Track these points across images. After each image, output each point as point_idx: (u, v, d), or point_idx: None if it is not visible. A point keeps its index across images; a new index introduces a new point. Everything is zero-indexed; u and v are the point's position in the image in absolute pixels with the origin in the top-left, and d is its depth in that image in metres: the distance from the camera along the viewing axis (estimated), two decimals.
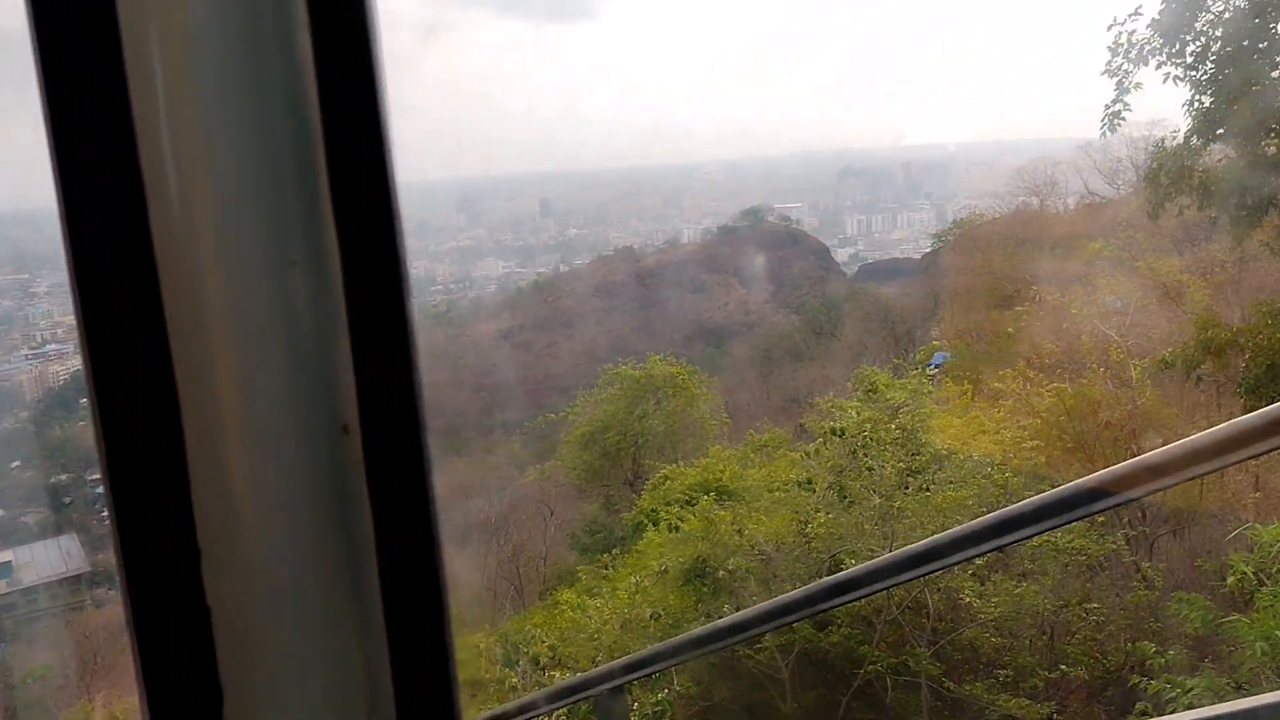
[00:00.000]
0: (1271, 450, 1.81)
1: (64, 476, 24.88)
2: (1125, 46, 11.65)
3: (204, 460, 0.49)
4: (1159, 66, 11.46)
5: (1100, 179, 23.15)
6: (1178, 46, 11.27)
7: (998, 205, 25.83)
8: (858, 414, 10.99)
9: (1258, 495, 10.40)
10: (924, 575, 6.07)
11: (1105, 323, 13.51)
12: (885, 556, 2.54)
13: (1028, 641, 9.27)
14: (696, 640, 2.92)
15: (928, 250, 34.96)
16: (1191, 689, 6.07)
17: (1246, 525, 7.05)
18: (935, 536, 2.30)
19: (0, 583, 18.98)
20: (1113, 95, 11.96)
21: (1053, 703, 8.79)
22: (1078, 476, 2.02)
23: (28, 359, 30.43)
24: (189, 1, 0.46)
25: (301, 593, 0.51)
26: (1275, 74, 10.99)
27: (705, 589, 10.06)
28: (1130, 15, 11.63)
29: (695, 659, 7.50)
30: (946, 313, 21.58)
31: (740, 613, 2.89)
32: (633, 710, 8.35)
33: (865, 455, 10.33)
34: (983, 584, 9.28)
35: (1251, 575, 6.54)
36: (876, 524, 9.75)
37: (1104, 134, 12.57)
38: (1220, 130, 11.51)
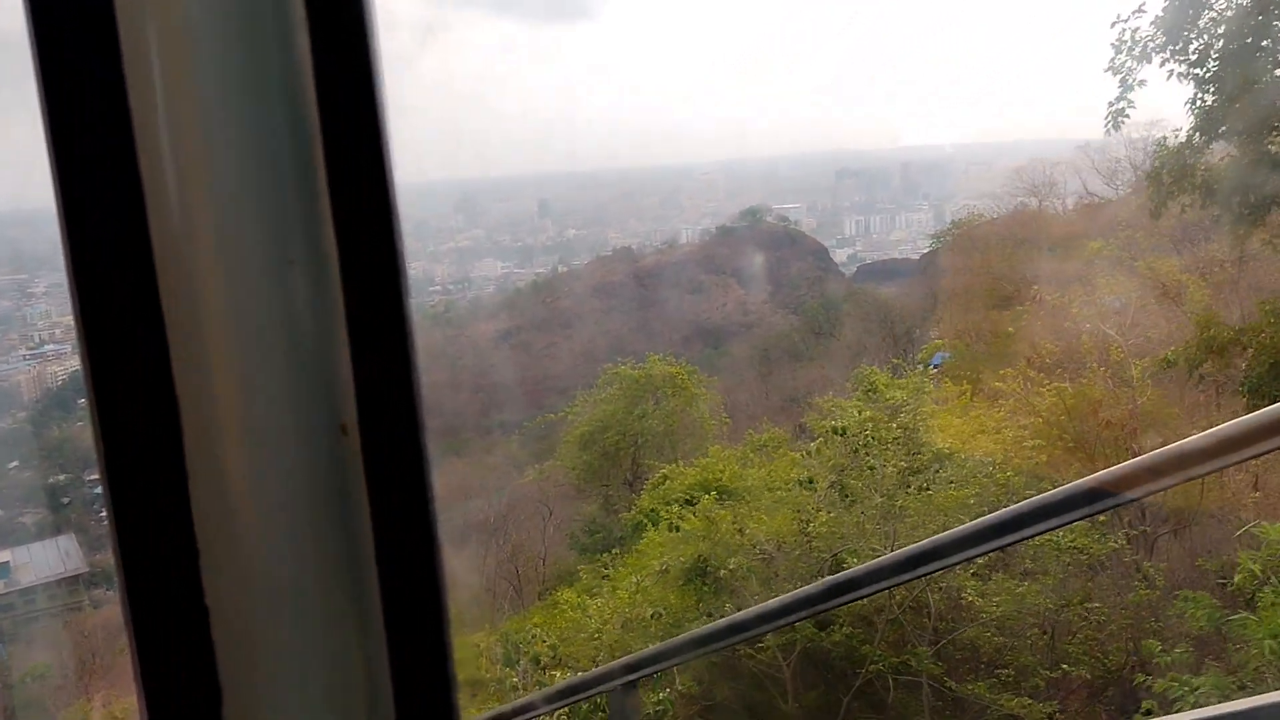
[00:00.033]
0: (1272, 450, 1.81)
1: (62, 477, 24.86)
2: (1129, 44, 11.63)
3: (203, 460, 0.49)
4: (1163, 64, 11.44)
5: (1099, 179, 23.17)
6: (1181, 44, 11.25)
7: (996, 206, 25.87)
8: (859, 413, 10.99)
9: (1257, 495, 10.41)
10: (925, 575, 6.08)
11: (1105, 322, 13.52)
12: (886, 556, 2.55)
13: (1029, 641, 9.27)
14: (711, 635, 2.93)
15: (926, 251, 34.99)
16: (1198, 687, 6.07)
17: (1254, 523, 7.05)
18: (936, 536, 2.30)
19: None
20: (1116, 93, 11.95)
21: (1055, 702, 8.78)
22: (1079, 476, 2.03)
23: (26, 359, 30.40)
24: (188, 1, 0.46)
25: (300, 593, 0.51)
26: (1278, 72, 10.96)
27: (706, 588, 10.06)
28: (1134, 12, 11.61)
29: (710, 653, 7.50)
30: (945, 313, 21.60)
31: (749, 610, 2.88)
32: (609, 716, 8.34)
33: (867, 454, 10.33)
34: (984, 583, 9.27)
35: (1259, 572, 6.54)
36: (878, 523, 9.75)
37: (1108, 131, 12.54)
38: (1223, 128, 11.48)
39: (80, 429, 25.08)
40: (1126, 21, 11.60)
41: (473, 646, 11.42)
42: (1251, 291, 13.52)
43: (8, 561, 19.50)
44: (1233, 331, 11.08)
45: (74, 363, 28.10)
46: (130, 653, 0.51)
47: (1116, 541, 9.72)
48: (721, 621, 3.06)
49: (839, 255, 48.11)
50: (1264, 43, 10.84)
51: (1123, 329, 13.39)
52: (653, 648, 3.18)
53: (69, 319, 0.49)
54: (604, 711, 8.51)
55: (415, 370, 0.52)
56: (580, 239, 51.20)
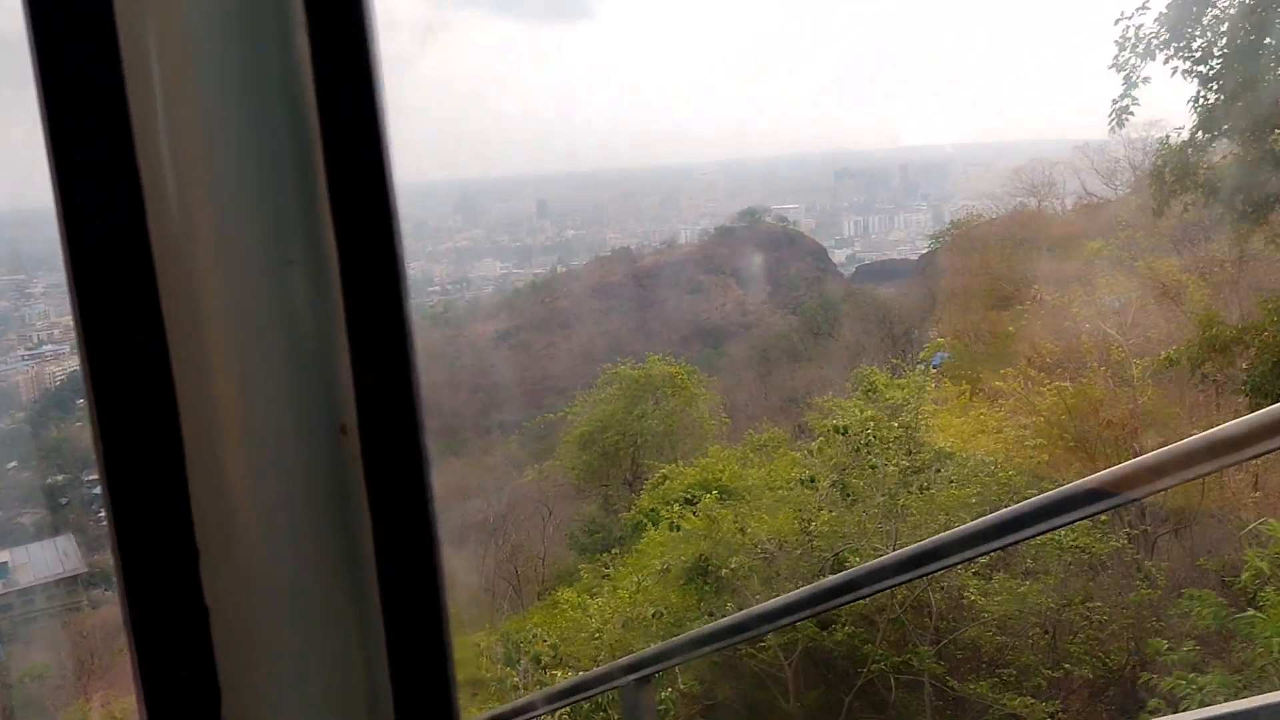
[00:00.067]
0: (1273, 450, 1.82)
1: (60, 477, 24.84)
2: (1132, 41, 11.60)
3: (202, 460, 0.49)
4: (1166, 60, 11.40)
5: (1098, 179, 23.19)
6: (1184, 41, 11.22)
7: (995, 206, 25.88)
8: (861, 412, 11.00)
9: (1258, 495, 10.41)
10: (926, 575, 6.08)
11: (1105, 322, 13.53)
12: (887, 556, 2.55)
13: (1030, 640, 9.27)
14: (723, 631, 2.93)
15: (925, 251, 35.00)
16: (1204, 686, 6.07)
17: (1262, 520, 7.05)
18: (937, 536, 2.30)
19: None
20: (1120, 90, 11.91)
21: (1057, 701, 8.78)
22: (1080, 475, 2.03)
23: (24, 360, 30.38)
24: (187, 1, 0.46)
25: (300, 593, 0.51)
26: None
27: (708, 587, 10.05)
28: (1138, 9, 11.58)
29: (724, 648, 7.48)
30: (944, 313, 21.61)
31: (757, 608, 2.89)
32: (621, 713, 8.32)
33: (868, 453, 10.33)
34: (986, 582, 9.27)
35: (1267, 570, 6.53)
36: (880, 522, 9.75)
37: (1112, 129, 12.48)
38: (1225, 126, 11.45)
39: (79, 429, 25.07)
40: (1130, 18, 11.57)
41: (473, 646, 11.43)
42: (1251, 291, 13.52)
43: (6, 562, 19.48)
44: (1235, 330, 11.05)
45: (72, 363, 28.09)
46: (130, 653, 0.51)
47: (1118, 541, 9.72)
48: (730, 619, 3.06)
49: (838, 255, 48.13)
50: (1267, 40, 10.81)
51: (1123, 328, 13.40)
52: (663, 643, 3.18)
53: (67, 319, 0.50)
54: (605, 711, 8.52)
55: (415, 371, 0.52)
56: (579, 239, 51.20)
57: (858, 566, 2.69)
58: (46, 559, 20.30)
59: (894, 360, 17.05)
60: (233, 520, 0.50)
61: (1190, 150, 11.93)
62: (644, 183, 57.88)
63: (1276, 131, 10.82)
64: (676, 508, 11.80)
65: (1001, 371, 13.59)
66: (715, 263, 42.87)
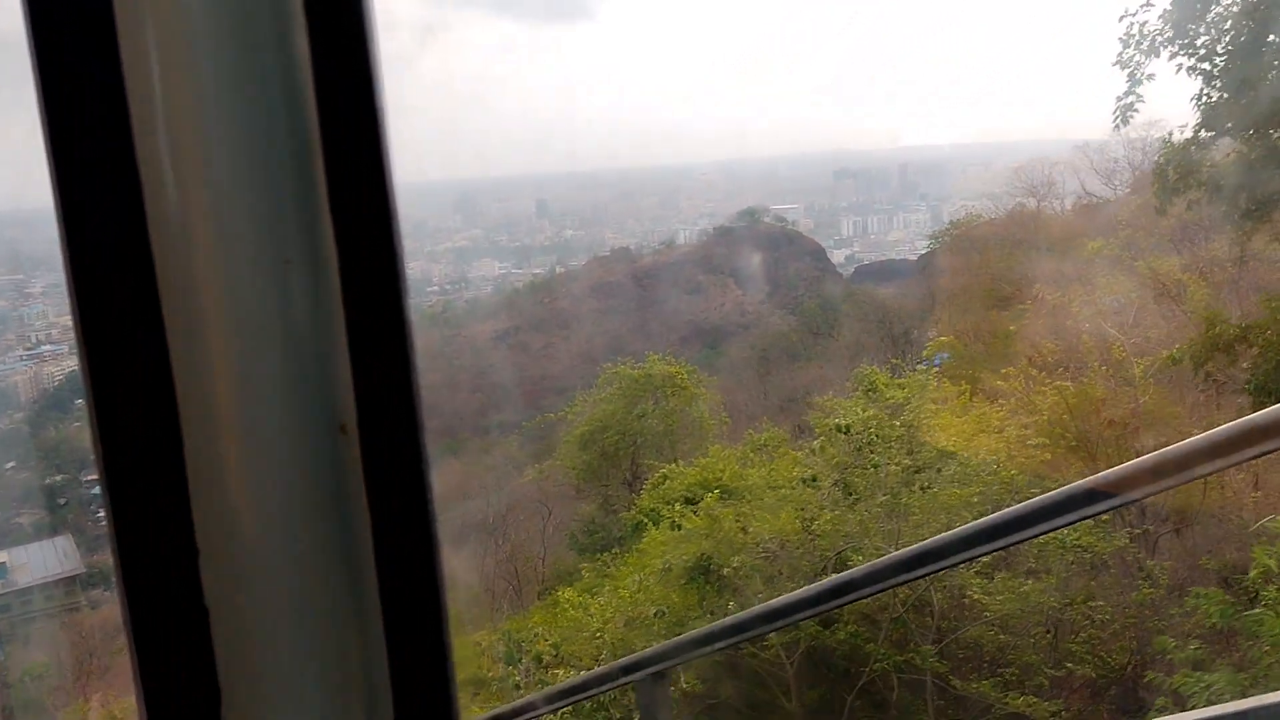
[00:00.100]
0: (1275, 450, 1.82)
1: (59, 477, 24.83)
2: (1136, 38, 11.58)
3: (202, 460, 0.49)
4: (1171, 57, 11.38)
5: (1097, 179, 23.21)
6: (1188, 38, 11.20)
7: (994, 206, 25.89)
8: (863, 410, 10.99)
9: (1258, 495, 10.40)
10: (928, 575, 6.08)
11: (1106, 321, 13.53)
12: (889, 556, 2.55)
13: (1032, 640, 9.27)
14: (738, 626, 2.93)
15: (924, 251, 35.00)
16: (1212, 684, 6.07)
17: (1270, 518, 7.03)
18: (939, 535, 2.31)
19: None
20: (1125, 87, 11.89)
21: (1059, 700, 8.78)
22: (1082, 475, 2.04)
23: (23, 360, 30.37)
24: (186, 1, 0.46)
25: (300, 593, 0.51)
26: None
27: (709, 587, 10.04)
28: (1142, 6, 11.56)
29: (739, 643, 7.48)
30: (944, 313, 21.62)
31: (764, 605, 2.89)
32: (636, 708, 8.34)
33: (870, 452, 10.30)
34: (988, 581, 9.26)
35: (1275, 568, 6.52)
36: (882, 521, 9.74)
37: (1116, 126, 12.45)
38: (1229, 124, 11.42)
39: (77, 429, 25.07)
40: (1134, 15, 11.55)
41: (474, 645, 11.43)
42: (1252, 291, 13.52)
43: (5, 562, 19.48)
44: (1238, 329, 11.01)
45: (71, 363, 28.08)
46: (129, 653, 0.51)
47: (1121, 540, 9.72)
48: (747, 612, 3.06)
49: (837, 256, 48.14)
50: (1270, 38, 10.78)
51: (1124, 328, 13.40)
52: (679, 638, 3.18)
53: (66, 319, 0.50)
54: (607, 710, 8.53)
55: (414, 370, 0.52)
56: (578, 239, 51.21)
57: (860, 566, 2.69)
58: (45, 559, 20.29)
59: (894, 360, 17.06)
60: (233, 520, 0.50)
61: (1193, 148, 11.90)
62: (643, 183, 57.90)
63: None
64: (678, 507, 11.80)
65: (1003, 371, 13.59)
66: (714, 263, 42.87)
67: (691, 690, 9.42)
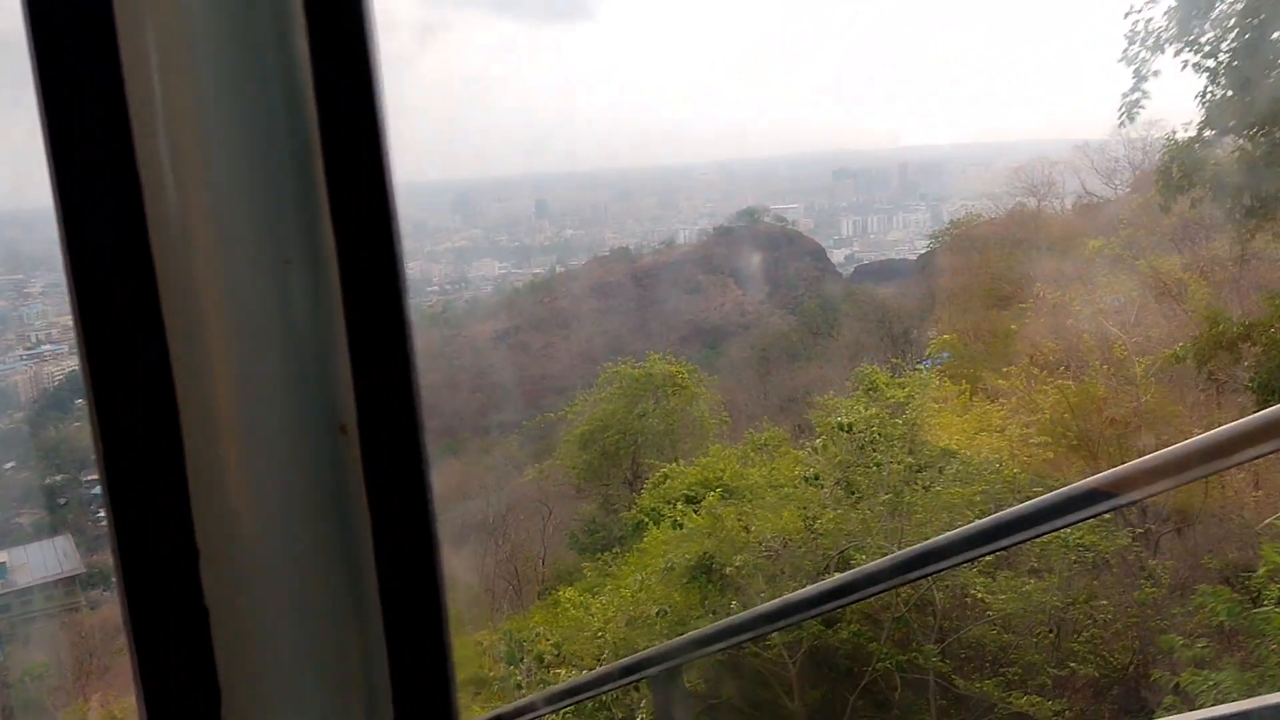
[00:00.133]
0: (1277, 450, 1.81)
1: (59, 477, 24.83)
2: (1142, 35, 11.56)
3: (202, 460, 0.49)
4: (1177, 54, 11.36)
5: (1097, 179, 23.21)
6: (1193, 35, 11.18)
7: (994, 206, 25.88)
8: (865, 409, 10.99)
9: (1259, 494, 10.39)
10: (930, 575, 6.08)
11: (1107, 320, 13.52)
12: (891, 556, 2.55)
13: (1034, 639, 9.26)
14: (756, 619, 2.93)
15: (924, 251, 35.00)
16: (1220, 682, 6.07)
17: (1278, 515, 7.02)
18: (941, 535, 2.31)
19: None
20: (1130, 84, 11.87)
21: (1063, 700, 8.77)
22: (1084, 473, 2.04)
23: (22, 360, 30.37)
24: (186, 1, 0.46)
25: (300, 593, 0.51)
26: None
27: (712, 586, 10.03)
28: (1147, 2, 11.54)
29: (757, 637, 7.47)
30: (944, 312, 21.62)
31: (771, 603, 2.89)
32: (639, 708, 8.37)
33: (873, 450, 10.29)
34: (991, 580, 9.26)
35: None
36: (885, 520, 9.74)
37: (1122, 123, 12.41)
38: (1233, 122, 11.39)
39: (77, 429, 25.07)
40: (1140, 12, 11.54)
41: (475, 645, 11.43)
42: (1253, 290, 13.53)
43: (4, 562, 19.47)
44: (1242, 327, 10.99)
45: (71, 363, 28.08)
46: (129, 653, 0.51)
47: (1123, 539, 9.71)
48: (764, 607, 3.06)
49: (836, 255, 48.15)
50: (1274, 36, 10.76)
51: (1125, 327, 13.39)
52: (694, 633, 3.18)
53: (66, 319, 0.50)
54: (609, 710, 8.54)
55: (414, 371, 0.52)
56: (578, 239, 51.21)
57: (863, 566, 2.69)
58: (45, 559, 20.29)
59: (894, 360, 17.06)
60: (233, 520, 0.50)
61: (1197, 146, 11.88)
62: (643, 183, 57.92)
63: None
64: (679, 506, 11.80)
65: (1004, 370, 13.58)
66: (714, 263, 42.87)
67: (693, 689, 9.41)
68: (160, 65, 0.46)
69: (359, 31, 0.49)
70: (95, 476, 0.51)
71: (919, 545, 2.33)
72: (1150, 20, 11.44)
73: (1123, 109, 12.08)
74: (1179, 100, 12.07)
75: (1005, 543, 2.27)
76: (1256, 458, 1.84)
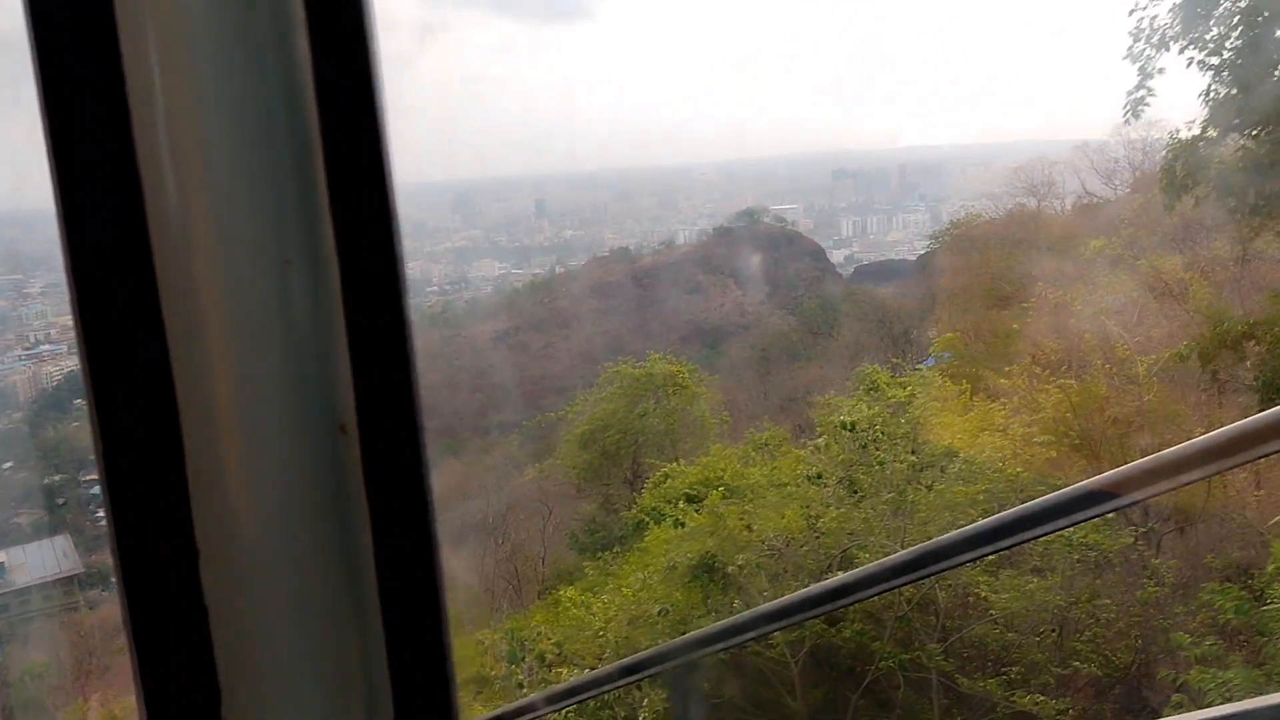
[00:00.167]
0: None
1: (58, 477, 24.82)
2: (1147, 32, 11.56)
3: (202, 460, 0.49)
4: (1181, 51, 11.35)
5: (1097, 179, 23.23)
6: (1198, 32, 11.17)
7: (994, 206, 25.89)
8: (868, 408, 10.99)
9: (1261, 493, 10.40)
10: (933, 575, 6.07)
11: (1109, 320, 13.52)
12: (893, 556, 2.55)
13: (1037, 638, 9.26)
14: (757, 620, 2.93)
15: (924, 251, 35.01)
16: (1227, 681, 6.08)
17: None
18: (944, 535, 2.30)
19: None
20: (1135, 81, 11.86)
21: (1066, 699, 8.77)
22: (1086, 473, 2.04)
23: (21, 359, 30.36)
24: (187, 1, 0.46)
25: (299, 592, 0.51)
26: None
27: (714, 585, 10.02)
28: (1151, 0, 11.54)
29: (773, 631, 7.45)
30: (944, 313, 21.61)
31: (812, 588, 2.89)
32: (642, 707, 8.37)
33: (876, 449, 10.28)
34: (994, 578, 9.25)
35: None
36: (887, 519, 9.73)
37: (1127, 120, 12.43)
38: (1237, 120, 11.38)
39: (76, 429, 25.06)
40: (1145, 9, 11.54)
41: (477, 644, 11.42)
42: (1254, 290, 13.54)
43: (3, 562, 19.46)
44: (1246, 325, 10.98)
45: (70, 363, 28.08)
46: (129, 653, 0.51)
47: (1126, 538, 9.70)
48: (762, 609, 3.06)
49: (836, 256, 48.15)
50: (1278, 34, 10.75)
51: (1127, 327, 13.39)
52: (711, 626, 3.18)
53: (65, 319, 0.50)
54: (611, 709, 8.53)
55: (414, 371, 0.52)
56: (578, 239, 51.21)
57: (865, 565, 2.69)
58: (44, 559, 20.28)
59: (894, 360, 17.06)
60: (233, 520, 0.50)
61: (1201, 144, 11.87)
62: (642, 183, 57.92)
63: None
64: (681, 505, 11.79)
65: (1006, 369, 13.58)
66: (714, 263, 42.88)
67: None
68: (161, 65, 0.46)
69: (359, 31, 0.49)
70: (94, 476, 0.51)
71: (921, 545, 2.33)
72: (1155, 17, 11.44)
73: (1127, 106, 12.08)
74: (1180, 100, 12.09)
75: (1008, 543, 2.26)
76: (1260, 458, 1.84)
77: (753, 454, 13.94)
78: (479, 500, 19.25)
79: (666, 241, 47.50)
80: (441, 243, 47.74)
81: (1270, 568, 6.78)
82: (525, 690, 9.38)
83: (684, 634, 3.83)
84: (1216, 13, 11.07)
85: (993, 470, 10.15)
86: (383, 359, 0.52)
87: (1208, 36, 11.09)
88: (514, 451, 24.84)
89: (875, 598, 8.47)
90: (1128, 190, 21.85)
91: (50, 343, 30.39)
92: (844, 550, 9.69)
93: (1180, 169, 12.12)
